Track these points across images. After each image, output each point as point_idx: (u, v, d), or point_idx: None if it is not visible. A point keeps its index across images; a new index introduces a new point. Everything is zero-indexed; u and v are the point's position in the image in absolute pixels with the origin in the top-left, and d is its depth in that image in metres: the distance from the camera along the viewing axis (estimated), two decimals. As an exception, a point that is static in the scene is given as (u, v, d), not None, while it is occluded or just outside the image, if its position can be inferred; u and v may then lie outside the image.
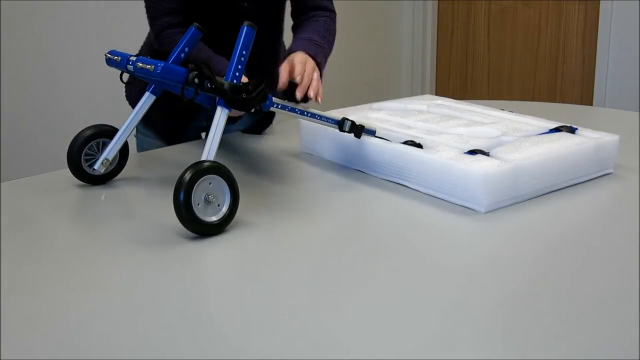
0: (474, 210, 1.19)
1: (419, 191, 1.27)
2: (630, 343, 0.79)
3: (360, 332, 0.83)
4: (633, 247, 1.04)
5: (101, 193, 1.31)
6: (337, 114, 1.55)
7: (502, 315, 0.86)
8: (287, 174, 1.43)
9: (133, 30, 2.79)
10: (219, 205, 1.10)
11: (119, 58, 1.25)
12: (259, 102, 1.21)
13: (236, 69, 1.19)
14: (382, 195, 1.28)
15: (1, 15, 2.72)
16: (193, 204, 1.06)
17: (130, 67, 1.22)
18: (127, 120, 1.33)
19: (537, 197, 1.25)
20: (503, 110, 1.57)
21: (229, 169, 1.16)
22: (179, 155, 1.53)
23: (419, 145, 1.31)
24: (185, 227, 1.08)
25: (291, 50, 1.48)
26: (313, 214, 1.21)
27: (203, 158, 1.13)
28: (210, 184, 1.09)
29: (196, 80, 1.15)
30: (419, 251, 1.06)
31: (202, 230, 1.09)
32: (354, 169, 1.41)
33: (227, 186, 1.11)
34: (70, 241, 1.12)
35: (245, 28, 1.20)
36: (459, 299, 0.90)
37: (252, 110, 1.24)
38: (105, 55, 1.28)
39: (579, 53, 3.61)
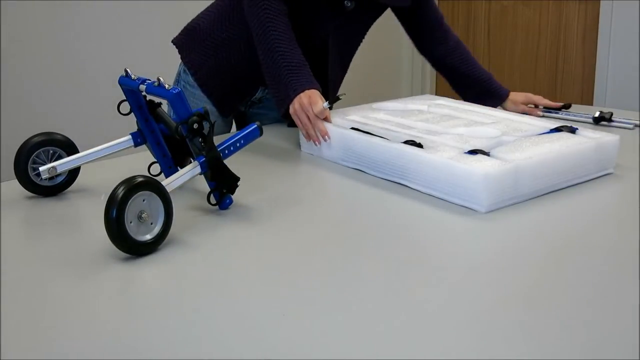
0: (474, 210, 1.19)
1: (419, 191, 1.27)
2: (630, 343, 0.79)
3: (360, 332, 0.82)
4: (633, 247, 1.04)
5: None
6: (337, 114, 1.56)
7: (502, 315, 0.86)
8: (287, 173, 1.43)
9: (134, 29, 2.79)
10: (152, 224, 1.04)
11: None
12: (226, 187, 1.18)
13: (228, 147, 1.20)
14: (382, 194, 1.28)
15: (1, 15, 2.72)
16: (126, 222, 1.00)
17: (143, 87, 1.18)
18: (94, 150, 1.26)
19: (537, 197, 1.25)
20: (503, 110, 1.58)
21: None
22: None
23: (419, 145, 1.31)
24: (116, 246, 1.02)
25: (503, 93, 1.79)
26: (312, 214, 1.21)
27: (165, 184, 1.08)
28: (144, 200, 1.03)
29: (195, 125, 1.12)
30: (419, 251, 1.06)
31: (135, 249, 1.02)
32: (353, 168, 1.41)
33: (161, 203, 1.04)
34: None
35: (255, 126, 1.24)
36: (459, 299, 0.90)
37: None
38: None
39: (579, 53, 3.61)
